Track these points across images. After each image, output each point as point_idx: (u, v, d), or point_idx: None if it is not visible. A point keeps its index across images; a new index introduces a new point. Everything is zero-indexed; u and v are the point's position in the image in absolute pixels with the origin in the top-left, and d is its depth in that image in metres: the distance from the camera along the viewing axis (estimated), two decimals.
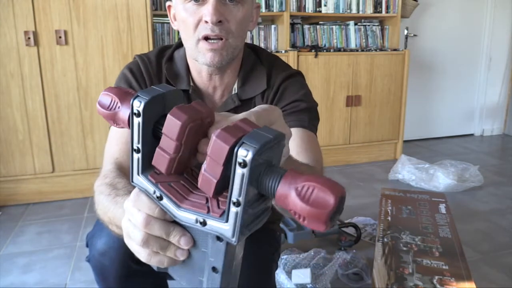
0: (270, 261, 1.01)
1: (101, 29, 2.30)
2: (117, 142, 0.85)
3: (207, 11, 0.79)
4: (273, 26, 2.96)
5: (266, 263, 0.98)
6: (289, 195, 0.34)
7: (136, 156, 0.41)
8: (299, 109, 0.90)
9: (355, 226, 1.86)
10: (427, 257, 1.21)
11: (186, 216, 0.40)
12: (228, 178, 0.36)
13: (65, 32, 2.25)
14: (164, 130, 0.38)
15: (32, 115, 2.29)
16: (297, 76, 0.97)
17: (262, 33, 2.94)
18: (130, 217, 0.43)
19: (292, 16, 2.95)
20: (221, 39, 0.82)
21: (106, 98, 0.44)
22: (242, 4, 0.83)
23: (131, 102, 0.40)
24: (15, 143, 2.29)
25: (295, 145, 0.83)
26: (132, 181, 0.42)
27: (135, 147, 0.41)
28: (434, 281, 1.09)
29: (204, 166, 0.37)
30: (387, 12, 3.14)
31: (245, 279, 0.86)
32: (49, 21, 2.22)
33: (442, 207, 1.60)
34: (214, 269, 0.41)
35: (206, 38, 0.81)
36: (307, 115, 0.90)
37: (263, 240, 0.79)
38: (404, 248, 1.27)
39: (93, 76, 2.33)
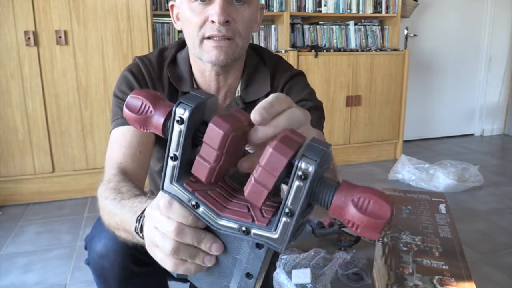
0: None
1: (101, 29, 2.30)
2: (120, 146, 0.83)
3: (214, 11, 0.78)
4: (273, 26, 2.96)
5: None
6: (346, 207, 0.35)
7: (172, 163, 0.40)
8: (306, 108, 0.89)
9: None
10: (427, 257, 1.21)
11: (227, 224, 0.39)
12: (276, 188, 0.36)
13: (65, 32, 2.25)
14: (205, 139, 0.37)
15: (32, 115, 2.29)
16: (299, 75, 0.96)
17: (262, 33, 2.94)
18: (158, 225, 0.42)
19: (292, 16, 2.95)
20: (228, 39, 0.81)
21: (136, 102, 0.42)
22: (249, 5, 0.82)
23: (174, 109, 0.38)
24: (15, 143, 2.29)
25: None
26: (163, 189, 0.41)
27: (171, 155, 0.40)
28: (434, 281, 1.09)
29: (254, 176, 0.36)
30: (387, 12, 3.14)
31: None
32: (49, 21, 2.22)
33: (442, 207, 1.60)
34: (248, 275, 0.41)
35: (211, 37, 0.80)
36: (314, 114, 0.90)
37: None
38: (404, 248, 1.27)
39: (93, 76, 2.33)
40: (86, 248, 0.89)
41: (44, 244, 1.91)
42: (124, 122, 0.85)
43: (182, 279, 1.06)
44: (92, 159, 2.42)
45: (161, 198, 0.42)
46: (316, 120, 0.88)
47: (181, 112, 0.38)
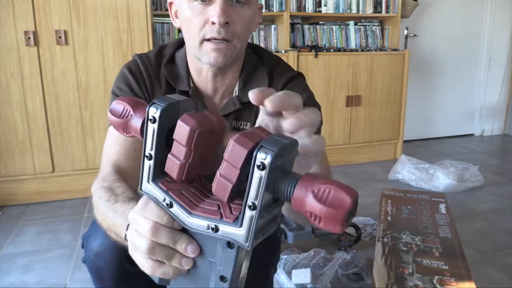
0: (269, 264, 1.00)
1: (101, 29, 2.30)
2: (115, 143, 0.84)
3: (214, 12, 0.77)
4: (273, 26, 2.96)
5: (264, 267, 0.97)
6: (306, 198, 0.35)
7: (148, 163, 0.42)
8: None
9: (355, 226, 1.86)
10: (427, 257, 1.21)
11: (197, 222, 0.40)
12: (242, 184, 0.36)
13: (65, 32, 2.25)
14: (175, 136, 0.39)
15: (32, 115, 2.29)
16: (298, 77, 0.95)
17: (262, 33, 2.94)
18: (136, 226, 0.43)
19: (292, 16, 2.95)
20: (227, 41, 0.80)
21: (119, 106, 0.44)
22: (248, 6, 0.81)
23: (147, 108, 0.40)
24: (15, 143, 2.29)
25: None
26: (141, 189, 0.43)
27: (147, 154, 0.41)
28: (434, 281, 1.09)
29: (219, 171, 0.37)
30: (387, 12, 3.14)
31: None
32: (49, 21, 2.22)
33: (442, 207, 1.60)
34: (222, 278, 0.40)
35: (211, 39, 0.80)
36: None
37: (262, 243, 0.79)
38: (404, 248, 1.27)
39: (93, 76, 2.33)
40: (83, 247, 0.89)
41: (44, 244, 1.91)
42: None
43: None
44: (92, 159, 2.42)
45: (140, 200, 0.43)
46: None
47: (153, 111, 0.40)
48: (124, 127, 0.44)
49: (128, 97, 0.45)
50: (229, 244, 0.39)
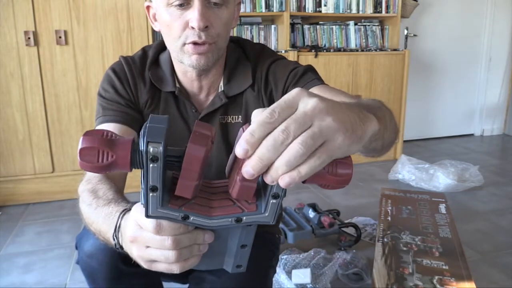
0: (268, 267, 1.00)
1: (101, 29, 2.30)
2: None
3: (193, 16, 0.77)
4: (273, 26, 2.96)
5: (263, 269, 0.97)
6: (320, 176, 0.40)
7: (153, 194, 0.42)
8: (300, 74, 0.88)
9: (355, 226, 1.86)
10: (427, 257, 1.21)
11: (221, 222, 0.44)
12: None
13: (65, 32, 2.25)
14: (185, 164, 0.40)
15: (32, 115, 2.29)
16: (281, 58, 0.95)
17: (262, 33, 2.94)
18: (151, 244, 0.46)
19: (292, 16, 2.95)
20: (209, 44, 0.80)
21: (92, 153, 0.40)
22: (226, 6, 0.81)
23: (144, 148, 0.39)
24: (15, 143, 2.29)
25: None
26: (148, 216, 0.43)
27: (150, 187, 0.41)
28: (434, 281, 1.09)
29: (238, 178, 0.40)
30: (387, 12, 3.14)
31: (240, 286, 0.86)
32: (49, 21, 2.22)
33: (442, 207, 1.60)
34: (243, 246, 0.48)
35: (192, 43, 0.80)
36: (310, 73, 0.88)
37: (261, 245, 0.78)
38: (404, 248, 1.27)
39: (93, 76, 2.33)
40: (76, 248, 0.89)
41: (44, 244, 1.91)
42: (106, 119, 0.86)
43: (183, 278, 1.06)
44: None
45: (148, 223, 0.45)
46: (317, 77, 0.88)
47: (155, 151, 0.39)
48: (106, 169, 0.41)
49: (91, 136, 0.40)
50: (249, 224, 0.44)
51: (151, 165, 0.40)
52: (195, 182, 0.41)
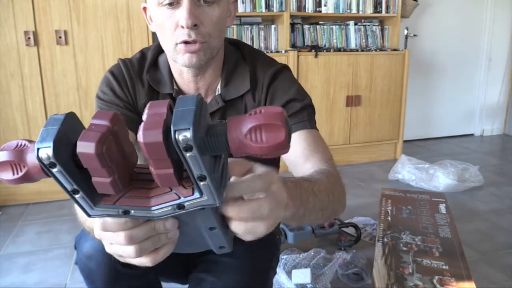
0: (268, 268, 0.99)
1: (101, 29, 2.30)
2: None
3: (181, 15, 0.77)
4: (273, 26, 2.96)
5: (264, 270, 0.97)
6: (244, 145, 0.36)
7: (78, 196, 0.39)
8: (296, 109, 0.88)
9: (355, 226, 1.86)
10: (427, 257, 1.21)
11: (162, 211, 0.41)
12: (177, 160, 0.36)
13: (65, 32, 2.25)
14: (85, 165, 0.36)
15: (32, 115, 2.29)
16: (284, 71, 0.94)
17: (262, 33, 2.94)
18: (111, 241, 0.44)
19: (292, 16, 2.95)
20: (200, 42, 0.80)
21: (6, 168, 0.39)
22: (218, 3, 0.81)
23: (36, 157, 0.35)
24: None
25: (302, 149, 0.81)
26: (90, 216, 0.41)
27: (71, 190, 0.38)
28: (434, 281, 1.09)
29: (151, 169, 0.37)
30: (387, 12, 3.14)
31: (240, 287, 0.86)
32: (49, 21, 2.22)
33: (442, 207, 1.60)
34: (211, 228, 0.45)
35: (183, 42, 0.80)
36: (305, 113, 0.88)
37: (261, 246, 0.78)
38: (404, 248, 1.27)
39: (93, 76, 2.33)
40: (75, 248, 0.89)
41: (44, 244, 1.91)
42: None
43: (182, 279, 1.06)
44: None
45: (96, 221, 0.43)
46: (308, 120, 0.87)
47: (46, 157, 0.35)
48: (27, 179, 0.39)
49: (6, 151, 0.39)
50: (202, 208, 0.41)
51: (52, 171, 0.36)
52: (108, 178, 0.37)
